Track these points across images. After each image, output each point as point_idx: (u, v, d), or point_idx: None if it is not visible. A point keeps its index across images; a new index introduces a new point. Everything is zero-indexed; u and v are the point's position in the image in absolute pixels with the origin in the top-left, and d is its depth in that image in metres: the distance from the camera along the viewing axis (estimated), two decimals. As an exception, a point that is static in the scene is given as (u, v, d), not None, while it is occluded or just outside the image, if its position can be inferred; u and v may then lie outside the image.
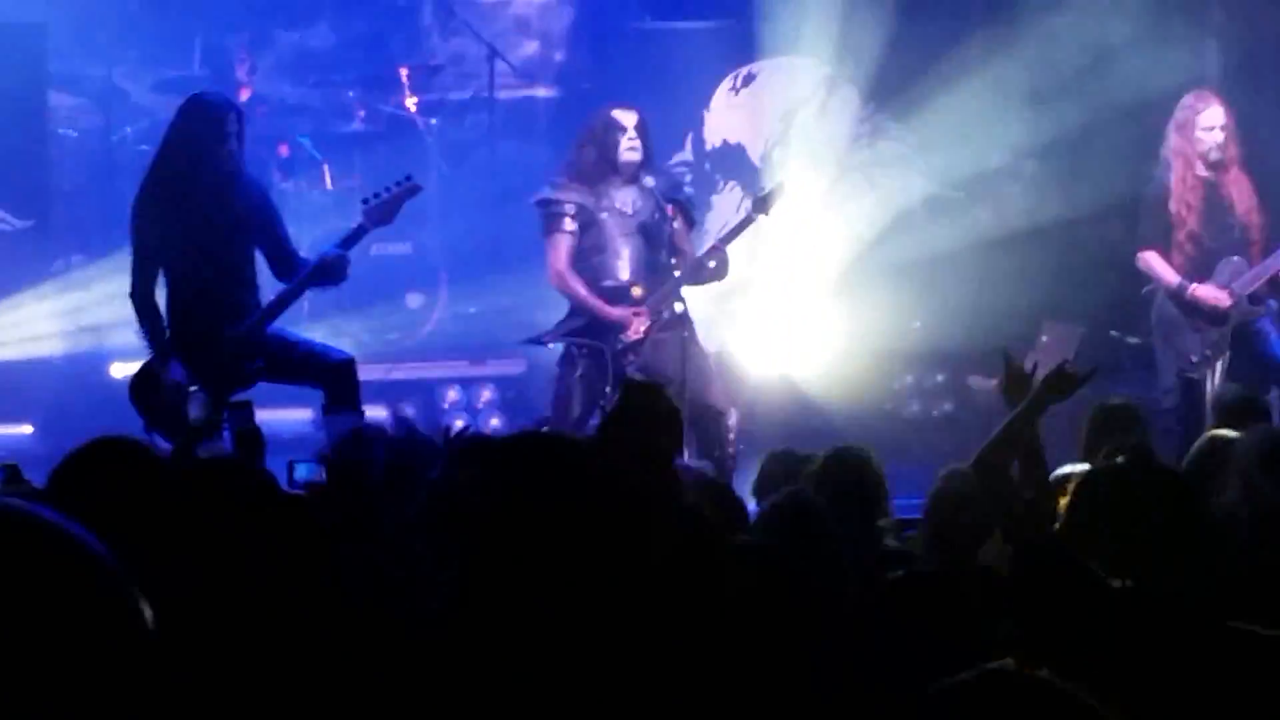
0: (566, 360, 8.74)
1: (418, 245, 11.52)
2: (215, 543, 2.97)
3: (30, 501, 1.82)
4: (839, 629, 4.14)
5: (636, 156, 8.66)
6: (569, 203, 8.68)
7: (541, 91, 12.33)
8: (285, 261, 8.00)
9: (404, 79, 12.02)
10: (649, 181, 8.68)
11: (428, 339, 11.45)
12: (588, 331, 8.66)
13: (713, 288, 9.01)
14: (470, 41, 12.33)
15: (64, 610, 1.71)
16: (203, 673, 2.85)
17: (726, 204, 11.34)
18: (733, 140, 11.73)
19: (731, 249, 8.83)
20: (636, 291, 8.65)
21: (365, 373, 8.32)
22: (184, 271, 7.92)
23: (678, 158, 11.52)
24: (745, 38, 11.73)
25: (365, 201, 8.15)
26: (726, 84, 11.73)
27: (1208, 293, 8.73)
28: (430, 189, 10.20)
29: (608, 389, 8.52)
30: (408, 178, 8.23)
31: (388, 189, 8.15)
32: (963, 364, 11.26)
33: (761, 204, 8.82)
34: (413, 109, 12.02)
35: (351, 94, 12.11)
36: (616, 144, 8.62)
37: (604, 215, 8.67)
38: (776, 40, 11.74)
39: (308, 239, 8.60)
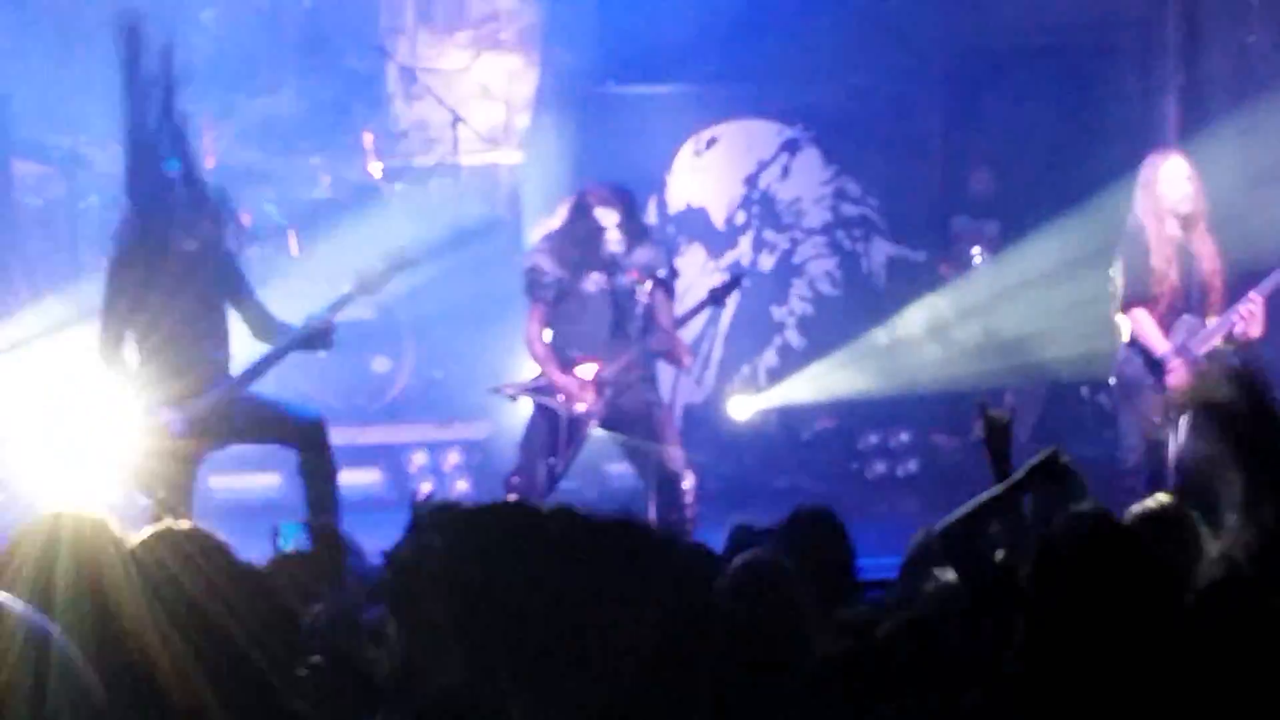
0: (533, 418, 8.80)
1: (382, 309, 11.50)
2: (180, 610, 2.98)
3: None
4: (804, 691, 4.14)
5: (620, 249, 8.72)
6: (548, 272, 8.73)
7: (505, 157, 12.36)
8: (263, 324, 7.92)
9: (368, 145, 12.04)
10: (626, 259, 8.74)
11: (393, 403, 11.45)
12: (548, 392, 8.72)
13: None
14: (434, 107, 12.37)
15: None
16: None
17: (689, 267, 11.36)
18: (696, 203, 11.77)
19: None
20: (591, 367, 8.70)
21: (332, 437, 8.28)
22: (154, 336, 7.85)
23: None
24: (708, 101, 11.79)
25: (358, 270, 7.99)
26: (689, 147, 11.78)
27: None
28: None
29: (564, 451, 8.60)
30: (403, 250, 8.06)
31: (383, 260, 7.96)
32: (928, 423, 11.30)
33: (718, 296, 8.99)
34: (377, 175, 12.05)
35: (316, 160, 12.12)
36: (601, 245, 8.70)
37: (579, 288, 8.73)
38: (739, 104, 11.80)
39: (273, 306, 8.54)
